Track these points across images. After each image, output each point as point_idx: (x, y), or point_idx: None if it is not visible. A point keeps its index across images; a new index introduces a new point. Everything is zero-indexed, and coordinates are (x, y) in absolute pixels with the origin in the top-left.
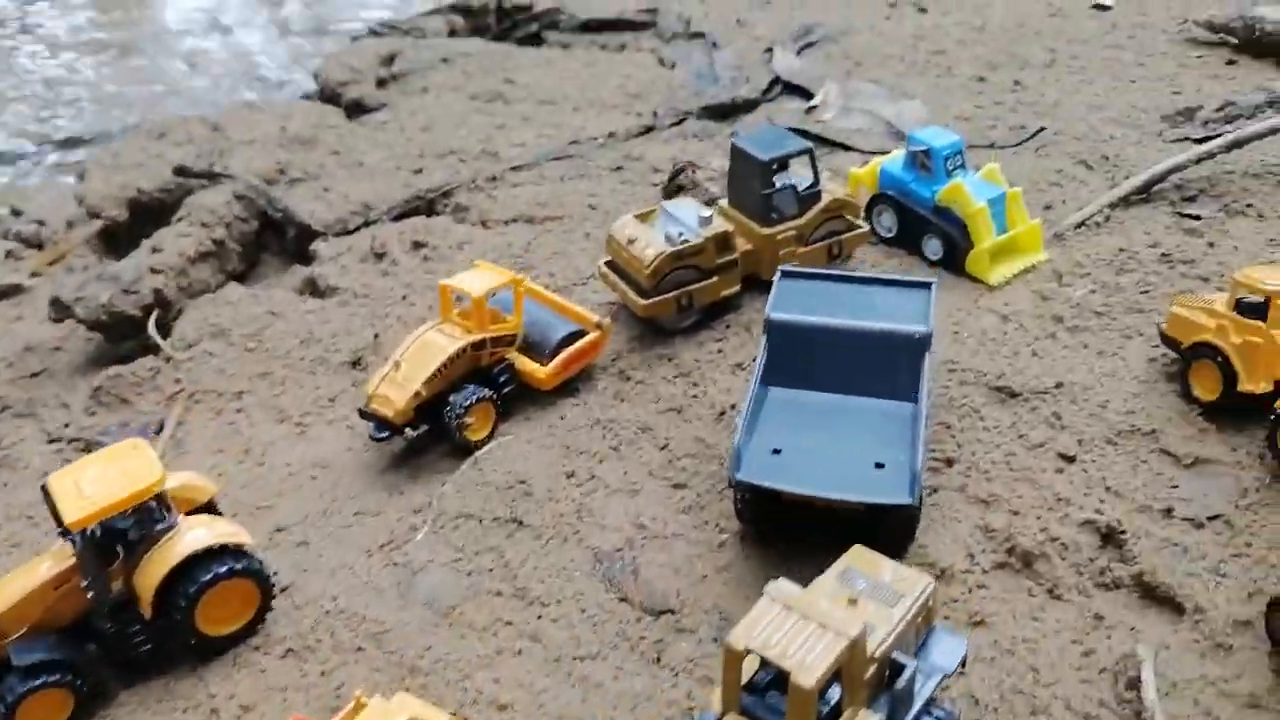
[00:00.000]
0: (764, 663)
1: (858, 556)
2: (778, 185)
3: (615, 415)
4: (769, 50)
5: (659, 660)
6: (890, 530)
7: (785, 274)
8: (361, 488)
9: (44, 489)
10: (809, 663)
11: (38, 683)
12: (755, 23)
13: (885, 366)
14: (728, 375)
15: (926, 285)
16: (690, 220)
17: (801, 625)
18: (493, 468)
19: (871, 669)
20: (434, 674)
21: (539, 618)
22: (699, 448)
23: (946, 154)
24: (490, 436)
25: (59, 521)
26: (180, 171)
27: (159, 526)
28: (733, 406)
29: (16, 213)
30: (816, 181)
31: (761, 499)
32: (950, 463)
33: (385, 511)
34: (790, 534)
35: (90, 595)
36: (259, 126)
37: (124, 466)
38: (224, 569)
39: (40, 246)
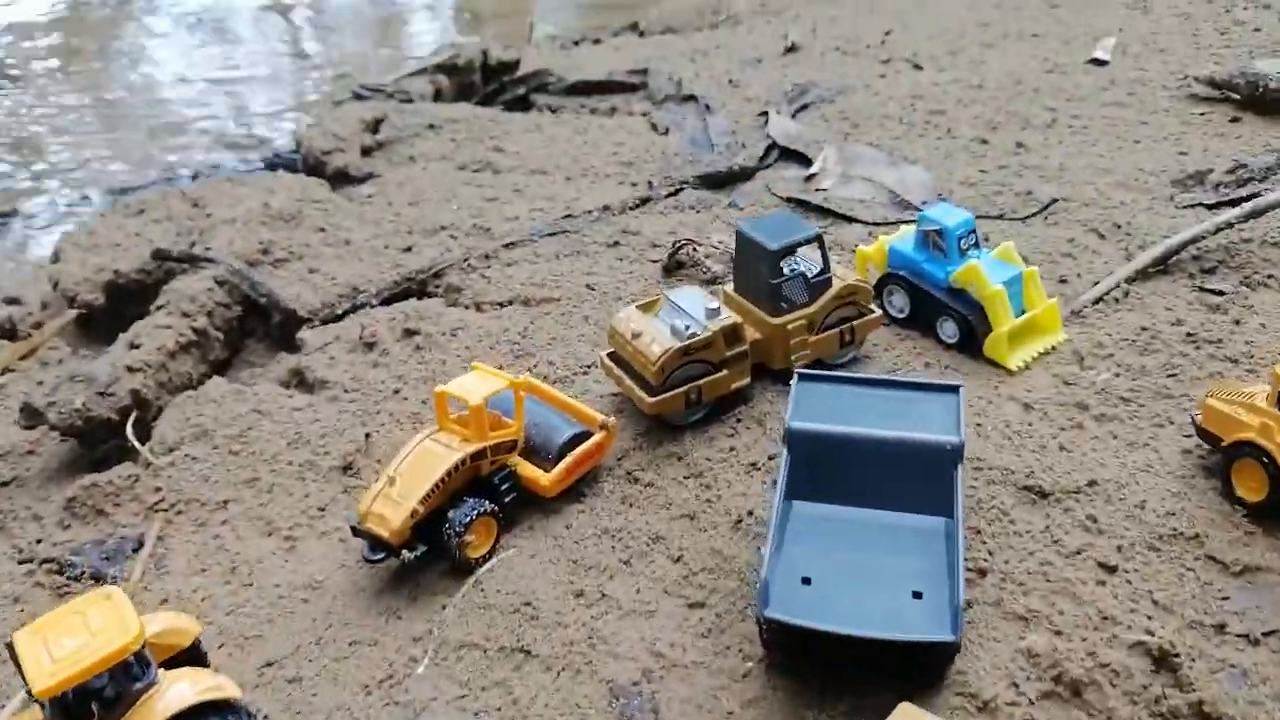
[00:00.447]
0: None
1: (906, 715)
2: (787, 273)
3: (624, 523)
4: (764, 114)
5: None
6: (929, 662)
7: (803, 377)
8: (356, 613)
9: (9, 647)
10: None
11: None
12: (748, 82)
13: (916, 479)
14: (742, 476)
15: (954, 389)
16: (697, 311)
17: None
18: (495, 588)
19: None
20: None
21: None
22: (716, 560)
23: (959, 234)
24: (492, 552)
25: (26, 682)
26: (159, 255)
27: (137, 685)
28: (750, 513)
29: None
30: (827, 267)
31: (790, 631)
32: (983, 573)
33: (382, 640)
34: (819, 663)
35: None
36: (241, 202)
37: (98, 620)
38: None
39: (13, 333)
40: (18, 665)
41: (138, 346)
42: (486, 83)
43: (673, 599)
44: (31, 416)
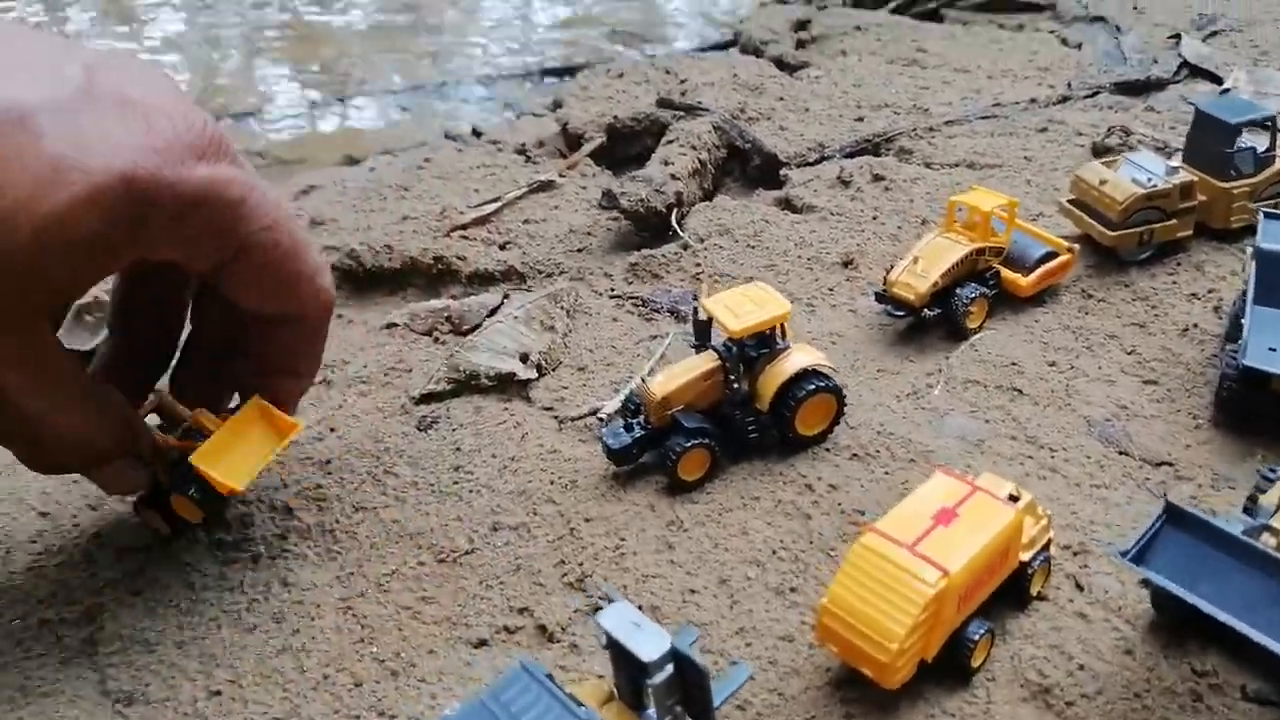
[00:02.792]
0: None
1: None
2: (1239, 146)
3: (1083, 324)
4: (1174, 36)
5: (1166, 497)
6: None
7: (1268, 215)
8: (876, 354)
9: (695, 311)
10: None
11: (695, 442)
12: (1153, 9)
13: None
14: (1184, 301)
15: None
16: (1156, 169)
17: None
18: (986, 350)
19: None
20: None
21: (1052, 457)
22: (1166, 355)
23: None
24: (981, 327)
25: (699, 336)
26: (663, 103)
27: (777, 346)
28: (1195, 325)
29: (477, 133)
30: (1273, 147)
31: (1249, 390)
32: None
33: (902, 372)
34: (1268, 422)
35: (729, 389)
36: (710, 73)
37: (759, 298)
38: (821, 384)
39: (527, 155)
40: (699, 323)
41: (670, 164)
42: None
43: (1129, 376)
44: (610, 200)
